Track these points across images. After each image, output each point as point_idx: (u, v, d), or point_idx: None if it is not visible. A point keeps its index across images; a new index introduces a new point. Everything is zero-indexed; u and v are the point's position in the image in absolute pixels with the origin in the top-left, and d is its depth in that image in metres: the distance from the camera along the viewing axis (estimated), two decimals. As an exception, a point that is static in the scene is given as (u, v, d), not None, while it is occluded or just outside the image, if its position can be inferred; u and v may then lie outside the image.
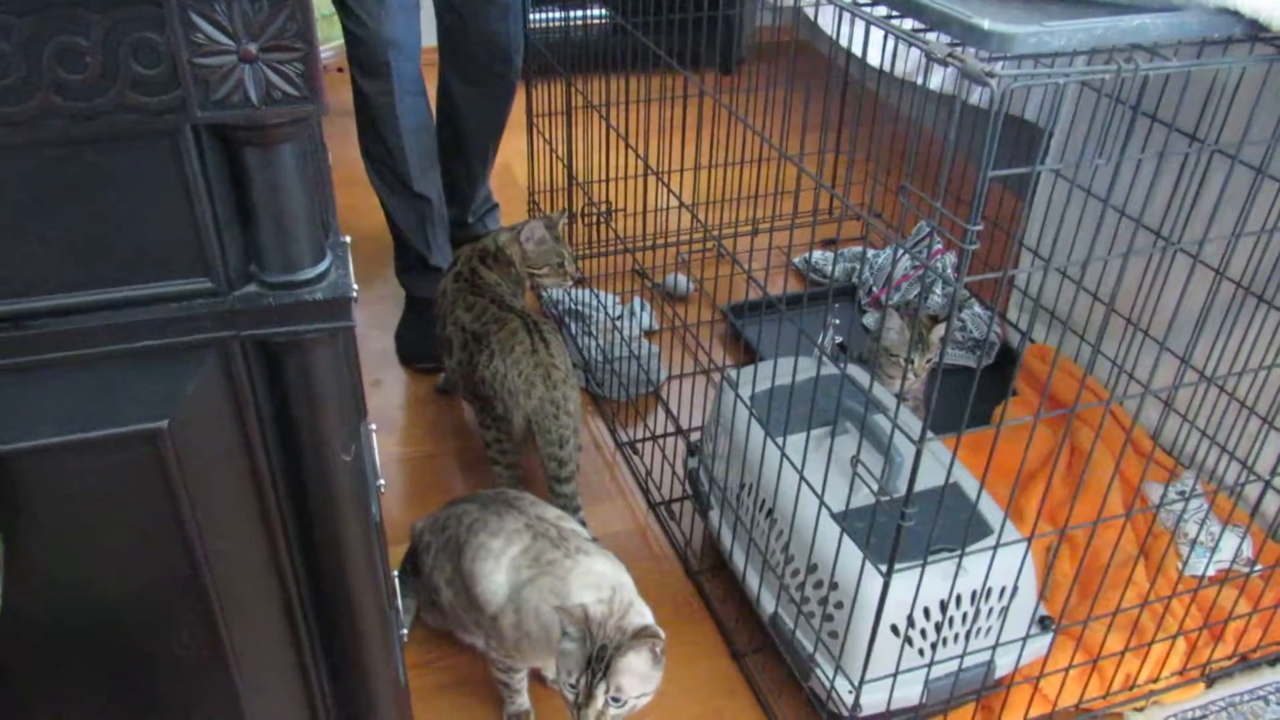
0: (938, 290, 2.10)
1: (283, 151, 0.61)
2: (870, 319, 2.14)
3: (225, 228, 0.63)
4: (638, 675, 1.11)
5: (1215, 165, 1.49)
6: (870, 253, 2.30)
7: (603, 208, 2.13)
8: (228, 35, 0.55)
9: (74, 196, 0.60)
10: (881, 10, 0.90)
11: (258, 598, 0.80)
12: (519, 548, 1.25)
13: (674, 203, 1.56)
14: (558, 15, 2.09)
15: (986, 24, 0.78)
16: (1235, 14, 0.84)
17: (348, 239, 0.90)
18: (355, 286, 0.83)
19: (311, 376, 0.69)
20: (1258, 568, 1.51)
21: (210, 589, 0.75)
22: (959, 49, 0.81)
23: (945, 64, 0.79)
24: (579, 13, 1.96)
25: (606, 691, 1.09)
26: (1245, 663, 1.44)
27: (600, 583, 1.18)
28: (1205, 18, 0.84)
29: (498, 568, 1.24)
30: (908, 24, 0.89)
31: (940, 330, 1.64)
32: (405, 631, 1.21)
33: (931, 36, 0.85)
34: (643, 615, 1.16)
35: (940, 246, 2.16)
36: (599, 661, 1.10)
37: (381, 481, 1.09)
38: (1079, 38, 0.79)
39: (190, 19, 0.54)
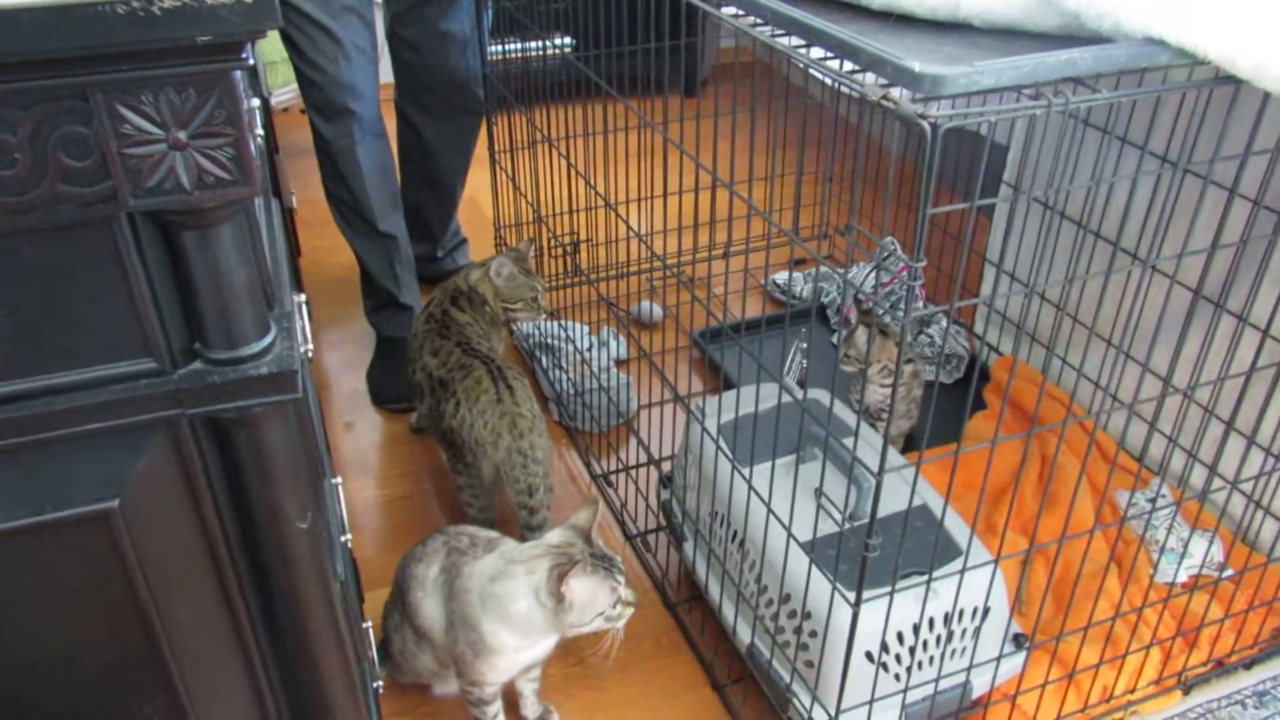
0: (901, 308, 2.12)
1: (220, 232, 0.61)
2: (839, 338, 2.15)
3: (166, 309, 0.63)
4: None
5: (1167, 175, 1.52)
6: (837, 272, 2.31)
7: (568, 240, 2.13)
8: (156, 125, 0.56)
9: (12, 286, 0.60)
10: (818, 52, 0.92)
11: (220, 666, 0.80)
12: (438, 567, 1.27)
13: (639, 230, 1.56)
14: (517, 47, 2.09)
15: (918, 67, 0.79)
16: (1162, 43, 0.86)
17: (302, 298, 0.90)
18: (311, 347, 0.83)
19: (262, 449, 0.69)
20: (1228, 572, 1.52)
21: (170, 661, 0.75)
22: (892, 90, 0.82)
23: (879, 107, 0.81)
24: (538, 44, 1.96)
25: None
26: (1221, 668, 1.45)
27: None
28: (1133, 49, 0.85)
29: (426, 595, 1.26)
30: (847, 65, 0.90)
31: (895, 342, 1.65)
32: (380, 684, 1.21)
33: (866, 77, 0.87)
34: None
35: (904, 264, 2.18)
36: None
37: (347, 536, 1.09)
38: (1008, 75, 0.81)
39: (118, 111, 0.55)
